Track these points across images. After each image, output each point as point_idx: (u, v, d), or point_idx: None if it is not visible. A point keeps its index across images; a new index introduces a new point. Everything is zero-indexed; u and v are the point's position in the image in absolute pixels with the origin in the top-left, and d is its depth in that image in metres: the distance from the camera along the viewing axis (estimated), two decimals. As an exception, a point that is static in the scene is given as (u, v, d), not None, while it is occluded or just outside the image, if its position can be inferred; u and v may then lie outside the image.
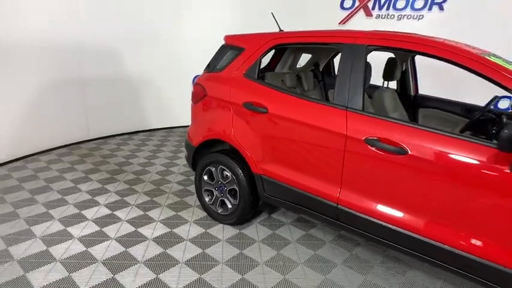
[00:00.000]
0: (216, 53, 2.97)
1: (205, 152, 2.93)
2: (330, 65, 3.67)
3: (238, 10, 5.89)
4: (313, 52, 3.54)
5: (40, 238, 2.54)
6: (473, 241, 1.77)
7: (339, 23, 6.40)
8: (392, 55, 2.92)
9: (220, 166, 2.78)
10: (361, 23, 6.24)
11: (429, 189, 1.86)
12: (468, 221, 1.78)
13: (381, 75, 2.79)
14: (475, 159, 1.70)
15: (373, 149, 1.98)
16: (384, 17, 6.07)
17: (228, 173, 2.75)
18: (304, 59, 3.65)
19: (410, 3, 5.85)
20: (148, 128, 5.68)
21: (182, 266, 2.34)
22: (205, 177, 2.92)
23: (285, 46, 2.68)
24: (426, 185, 1.86)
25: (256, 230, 2.86)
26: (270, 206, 3.22)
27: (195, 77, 3.08)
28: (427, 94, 3.37)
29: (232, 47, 2.82)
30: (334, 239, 2.77)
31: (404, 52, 2.52)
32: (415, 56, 3.19)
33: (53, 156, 4.24)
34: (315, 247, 2.65)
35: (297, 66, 3.63)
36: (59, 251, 2.41)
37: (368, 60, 2.17)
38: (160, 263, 2.35)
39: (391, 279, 2.31)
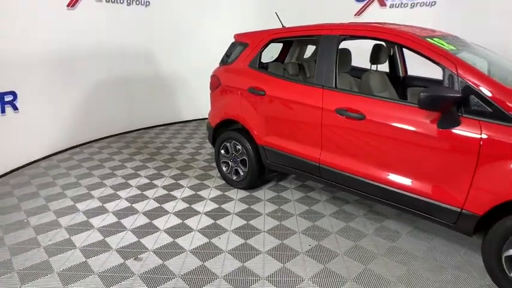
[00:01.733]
0: (228, 48, 3.62)
1: (222, 131, 3.60)
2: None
3: (258, 10, 6.48)
4: (316, 44, 4.07)
5: (98, 199, 3.37)
6: (417, 184, 2.27)
7: (355, 15, 6.76)
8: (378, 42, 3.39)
9: (234, 141, 3.44)
10: (375, 13, 6.56)
11: (383, 146, 2.38)
12: (413, 169, 2.28)
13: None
14: (412, 119, 2.20)
15: (342, 117, 2.53)
16: (398, 6, 6.36)
17: (239, 147, 3.40)
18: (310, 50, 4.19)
19: (422, -10, 6.08)
20: (182, 120, 6.48)
21: (202, 216, 3.03)
22: (223, 151, 3.60)
23: (278, 40, 3.25)
24: (381, 142, 2.39)
25: (264, 192, 3.49)
26: (279, 176, 3.83)
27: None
28: (416, 75, 3.77)
29: (240, 43, 3.46)
30: (329, 199, 3.32)
31: (365, 39, 2.92)
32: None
33: (103, 143, 5.14)
34: (310, 204, 3.23)
35: (304, 56, 4.18)
36: (111, 206, 3.21)
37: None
38: (185, 213, 3.06)
39: (369, 226, 2.85)
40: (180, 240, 2.67)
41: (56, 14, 4.46)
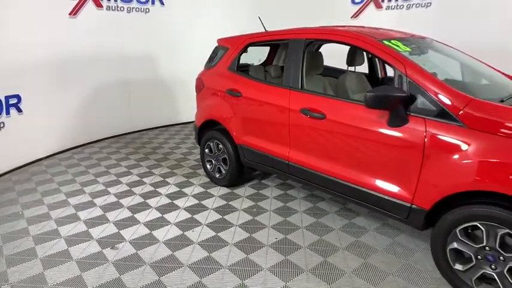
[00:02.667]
0: (212, 53, 3.80)
1: (206, 131, 3.77)
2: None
3: (251, 14, 6.62)
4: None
5: (89, 194, 3.60)
6: (372, 180, 2.37)
7: (351, 17, 6.86)
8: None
9: (216, 141, 3.61)
10: (372, 15, 6.64)
11: (341, 143, 2.50)
12: (368, 166, 2.39)
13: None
14: (366, 118, 2.30)
15: (306, 116, 2.66)
16: (394, 8, 6.41)
17: (221, 146, 3.56)
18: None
19: (418, -9, 6.11)
20: (181, 122, 6.70)
21: (181, 211, 3.21)
22: (207, 151, 3.77)
23: (255, 44, 3.39)
24: (339, 140, 2.50)
25: (244, 190, 3.63)
26: (262, 174, 3.96)
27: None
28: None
29: (222, 47, 3.63)
30: (306, 197, 3.44)
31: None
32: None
33: (104, 144, 5.40)
34: (286, 201, 3.35)
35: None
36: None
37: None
38: (166, 208, 3.25)
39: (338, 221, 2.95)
40: (156, 232, 2.85)
41: (58, 21, 4.77)
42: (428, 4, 6.01)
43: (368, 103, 2.13)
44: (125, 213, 3.18)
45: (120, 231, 2.88)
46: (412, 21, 6.09)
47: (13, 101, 4.29)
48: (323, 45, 3.72)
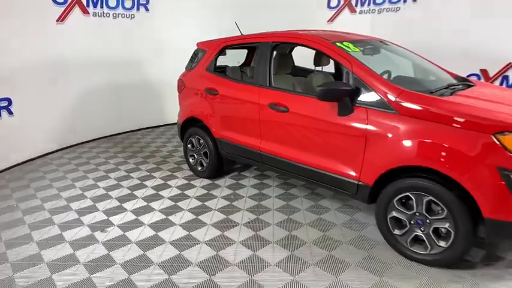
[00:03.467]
0: (192, 55, 4.15)
1: (188, 128, 4.10)
2: (291, 58, 4.67)
3: (234, 19, 7.01)
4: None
5: (80, 188, 3.90)
6: (328, 163, 2.74)
7: (327, 21, 7.29)
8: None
9: (197, 136, 3.95)
10: (346, 19, 7.07)
11: (302, 133, 2.87)
12: (325, 151, 2.76)
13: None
14: (321, 110, 2.68)
15: (273, 110, 3.03)
16: (366, 12, 6.85)
17: (202, 141, 3.90)
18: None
19: (388, -3, 6.57)
20: (168, 123, 7.01)
21: (165, 200, 3.54)
22: (189, 146, 4.11)
23: (229, 47, 3.75)
24: (300, 130, 2.88)
25: (224, 180, 3.98)
26: (243, 167, 4.31)
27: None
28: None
29: (201, 50, 3.99)
30: (280, 185, 3.80)
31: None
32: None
33: (94, 144, 5.68)
34: (262, 188, 3.71)
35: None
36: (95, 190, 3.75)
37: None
38: (152, 198, 3.57)
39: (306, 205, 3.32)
40: (142, 217, 3.18)
41: (46, 28, 5.05)
42: (397, 9, 6.46)
43: (319, 96, 2.51)
44: (114, 203, 3.50)
45: (109, 218, 3.20)
46: (383, 24, 6.55)
47: (4, 103, 4.56)
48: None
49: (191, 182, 3.96)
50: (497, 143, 1.98)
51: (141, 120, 6.66)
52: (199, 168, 4.05)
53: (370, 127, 2.43)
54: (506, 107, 2.29)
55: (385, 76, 3.22)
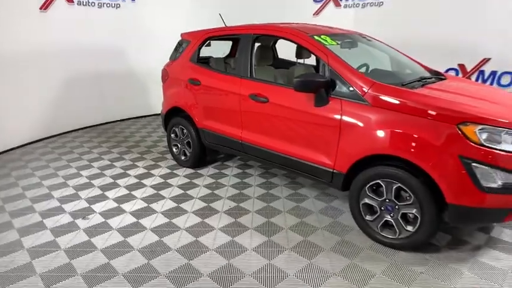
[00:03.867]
0: (176, 46, 4.17)
1: (172, 118, 4.14)
2: (273, 50, 4.73)
3: (220, 10, 7.00)
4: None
5: (63, 177, 3.92)
6: (306, 152, 2.84)
7: (313, 15, 7.35)
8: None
9: (180, 126, 3.99)
10: (331, 13, 7.15)
11: (281, 123, 2.95)
12: (302, 140, 2.85)
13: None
14: (299, 100, 2.76)
15: (253, 101, 3.10)
16: (351, 6, 6.93)
17: (185, 130, 3.95)
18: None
19: (371, -9, 6.66)
20: (154, 113, 7.00)
21: (148, 188, 3.59)
22: (173, 135, 4.15)
23: (212, 38, 3.78)
24: (279, 120, 2.96)
25: (207, 170, 4.04)
26: (226, 156, 4.38)
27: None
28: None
29: (185, 40, 4.01)
30: (262, 174, 3.88)
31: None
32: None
33: (78, 134, 5.66)
34: (244, 177, 3.79)
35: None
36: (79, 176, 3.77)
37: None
38: (134, 186, 3.62)
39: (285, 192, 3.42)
40: (123, 205, 3.23)
41: (29, 16, 4.99)
42: (381, 3, 6.57)
43: (295, 87, 2.59)
44: (96, 192, 3.53)
45: (91, 206, 3.24)
46: (367, 19, 6.66)
47: (-16, 91, 4.51)
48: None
49: (174, 171, 4.02)
50: (460, 133, 2.10)
51: (126, 110, 6.65)
52: (183, 158, 4.10)
53: (344, 118, 2.52)
54: (471, 99, 2.41)
55: (363, 69, 3.34)
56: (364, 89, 2.46)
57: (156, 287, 2.18)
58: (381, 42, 3.76)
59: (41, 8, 5.14)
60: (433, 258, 2.39)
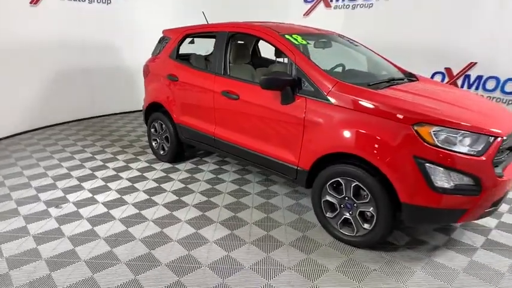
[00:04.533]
0: (157, 42, 4.23)
1: (152, 113, 4.20)
2: (256, 49, 4.78)
3: (211, 8, 7.05)
4: (243, 39, 4.67)
5: (44, 167, 3.98)
6: (272, 149, 2.89)
7: (303, 15, 7.41)
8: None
9: (159, 121, 4.05)
10: (321, 13, 7.20)
11: (250, 120, 3.01)
12: (270, 137, 2.90)
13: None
14: (267, 98, 2.81)
15: (225, 97, 3.15)
16: (341, 7, 6.99)
17: (164, 125, 4.01)
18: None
19: (361, -7, 6.70)
20: (141, 108, 6.98)
21: (123, 180, 3.65)
22: (152, 130, 4.21)
23: (191, 36, 3.84)
24: (249, 117, 3.01)
25: (185, 165, 4.10)
26: (205, 152, 4.44)
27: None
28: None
29: (166, 37, 4.07)
30: (237, 170, 3.94)
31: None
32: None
33: (65, 127, 5.72)
34: (219, 173, 3.84)
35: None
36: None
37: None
38: (111, 179, 3.68)
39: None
40: (97, 196, 3.29)
41: (19, 9, 5.05)
42: (371, 5, 6.61)
43: (262, 85, 2.64)
44: (73, 182, 3.59)
45: (66, 195, 3.30)
46: (357, 19, 6.71)
47: (-27, 83, 4.58)
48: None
49: (152, 165, 4.08)
50: (415, 133, 2.15)
51: (115, 105, 6.71)
52: (161, 152, 4.16)
53: (308, 115, 2.57)
54: (432, 101, 2.45)
55: (339, 69, 3.40)
56: (326, 88, 2.51)
57: (114, 274, 2.24)
58: (359, 44, 3.80)
59: (31, 2, 5.20)
60: (389, 256, 2.44)
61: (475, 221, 2.88)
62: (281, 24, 3.44)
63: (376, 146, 2.26)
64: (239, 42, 3.61)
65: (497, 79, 5.17)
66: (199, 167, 4.05)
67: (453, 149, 2.11)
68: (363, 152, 2.31)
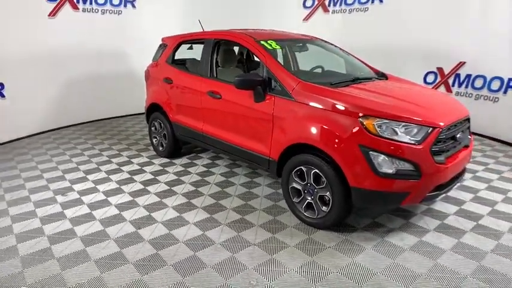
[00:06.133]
0: (157, 49, 4.65)
1: (152, 113, 4.62)
2: (250, 53, 5.12)
3: (215, 15, 7.46)
4: (228, 45, 4.94)
5: (56, 162, 4.47)
6: (250, 142, 3.23)
7: (303, 20, 7.72)
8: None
9: (158, 120, 4.47)
10: (320, 18, 7.50)
11: (231, 116, 3.36)
12: (247, 132, 3.24)
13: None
14: (244, 97, 3.15)
15: (210, 97, 3.52)
16: (339, 12, 7.27)
17: (162, 124, 4.42)
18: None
19: (357, -2, 6.97)
20: (152, 110, 7.56)
21: (124, 173, 4.07)
22: (153, 128, 4.63)
23: (185, 42, 4.23)
24: (230, 114, 3.37)
25: (181, 160, 4.49)
26: (201, 150, 4.82)
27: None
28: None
29: (164, 44, 4.49)
30: (228, 164, 4.29)
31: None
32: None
33: (79, 127, 6.25)
34: (210, 167, 4.21)
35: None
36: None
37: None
38: (113, 171, 4.11)
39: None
40: (99, 186, 3.72)
41: (39, 22, 5.63)
42: (366, 9, 6.86)
43: (236, 85, 2.99)
44: (80, 175, 4.04)
45: (72, 185, 3.75)
46: (354, 23, 6.97)
47: (-3, 87, 5.16)
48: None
49: (152, 160, 4.49)
50: (361, 125, 2.43)
51: (126, 107, 7.22)
52: (160, 149, 4.57)
53: (275, 112, 2.90)
54: (383, 97, 2.71)
55: (319, 70, 3.71)
56: (290, 87, 2.83)
57: (83, 270, 2.63)
58: (338, 47, 4.08)
59: (49, 15, 5.77)
60: (345, 236, 2.72)
61: (435, 207, 3.12)
62: (261, 31, 3.78)
63: (329, 137, 2.56)
64: (227, 47, 3.94)
65: (484, 78, 5.31)
66: (194, 161, 4.43)
67: (394, 138, 2.39)
68: (319, 143, 2.61)
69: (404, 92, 3.08)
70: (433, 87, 6.09)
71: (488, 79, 5.24)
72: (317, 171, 2.67)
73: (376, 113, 2.44)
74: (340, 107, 2.54)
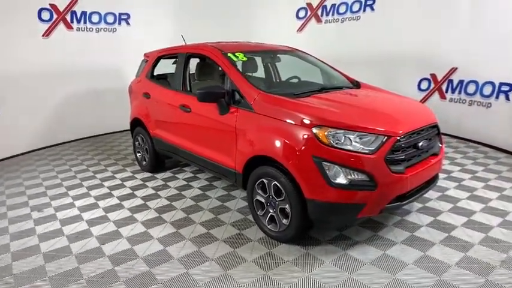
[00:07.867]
0: (140, 64, 4.73)
1: (136, 127, 4.67)
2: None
3: (210, 29, 7.56)
4: (203, 59, 4.92)
5: (41, 181, 4.56)
6: (217, 155, 3.21)
7: (297, 31, 7.74)
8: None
9: (141, 134, 4.51)
10: (314, 28, 7.50)
11: (199, 129, 3.36)
12: (214, 144, 3.22)
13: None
14: (210, 110, 3.14)
15: (182, 111, 3.53)
16: (332, 22, 7.27)
17: (144, 138, 4.46)
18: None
19: (349, 7, 6.98)
20: (149, 125, 7.66)
21: (104, 188, 4.10)
22: (136, 143, 4.68)
23: (163, 57, 4.29)
24: (198, 127, 3.36)
25: (164, 174, 4.50)
26: (185, 164, 4.83)
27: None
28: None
29: (146, 59, 4.56)
30: (209, 178, 4.27)
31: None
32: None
33: (74, 144, 6.39)
34: (191, 181, 4.20)
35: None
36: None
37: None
38: (93, 186, 4.15)
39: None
40: (76, 202, 3.75)
41: (33, 42, 5.83)
42: (358, 18, 6.83)
43: (198, 98, 2.99)
44: (61, 190, 4.10)
45: (51, 202, 3.80)
46: (347, 32, 6.94)
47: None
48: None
49: (135, 175, 4.52)
50: (313, 135, 2.38)
51: (120, 123, 7.32)
52: (144, 163, 4.60)
53: (238, 124, 2.88)
54: (341, 106, 2.66)
55: (295, 80, 3.70)
56: (251, 99, 2.81)
57: (67, 267, 2.63)
58: (314, 57, 4.05)
59: (43, 35, 5.97)
60: (307, 250, 2.64)
61: (409, 219, 3.00)
62: (232, 44, 3.79)
63: (285, 148, 2.51)
64: (203, 61, 3.96)
65: (476, 83, 5.16)
66: (176, 175, 4.43)
67: (347, 148, 2.32)
68: (276, 154, 2.56)
69: (368, 100, 3.01)
70: (427, 94, 5.97)
71: (480, 84, 5.09)
72: (276, 183, 2.62)
73: (329, 122, 2.39)
74: (295, 117, 2.50)
